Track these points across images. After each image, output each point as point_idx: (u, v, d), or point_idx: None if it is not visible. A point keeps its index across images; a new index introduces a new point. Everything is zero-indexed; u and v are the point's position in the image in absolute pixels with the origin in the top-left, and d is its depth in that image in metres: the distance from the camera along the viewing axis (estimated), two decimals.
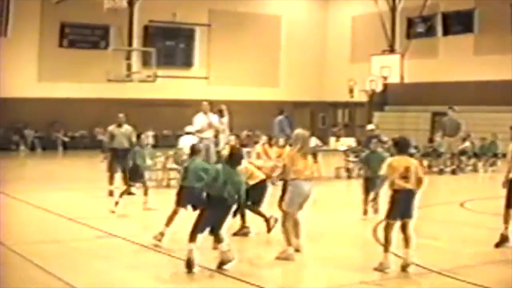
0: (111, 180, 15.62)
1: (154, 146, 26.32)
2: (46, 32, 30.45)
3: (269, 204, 11.01)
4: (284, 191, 9.83)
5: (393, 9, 33.48)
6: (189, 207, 9.88)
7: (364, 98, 31.84)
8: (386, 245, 8.61)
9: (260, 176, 11.03)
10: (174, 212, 10.20)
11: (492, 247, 9.95)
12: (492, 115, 27.64)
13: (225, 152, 13.57)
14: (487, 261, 9.39)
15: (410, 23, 32.84)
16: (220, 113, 19.44)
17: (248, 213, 10.85)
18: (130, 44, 32.28)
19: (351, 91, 31.84)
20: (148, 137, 29.32)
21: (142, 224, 12.43)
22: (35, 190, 16.62)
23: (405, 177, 8.52)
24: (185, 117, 19.59)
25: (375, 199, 12.64)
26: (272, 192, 11.00)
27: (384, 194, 9.10)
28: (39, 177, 20.68)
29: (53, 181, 18.83)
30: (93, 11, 28.85)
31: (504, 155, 15.62)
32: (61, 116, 30.37)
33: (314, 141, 17.47)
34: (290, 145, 10.24)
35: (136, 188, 14.00)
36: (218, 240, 8.65)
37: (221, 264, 8.60)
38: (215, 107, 19.36)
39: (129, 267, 9.00)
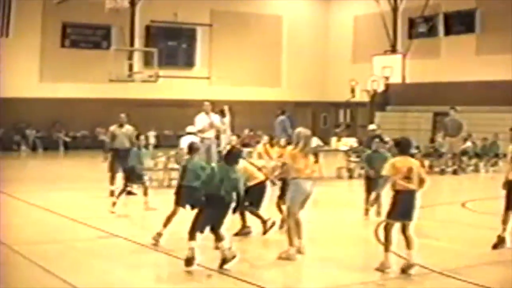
0: (112, 180, 15.60)
1: (156, 146, 26.49)
2: (47, 32, 30.48)
3: (269, 205, 11.00)
4: (283, 191, 9.81)
5: (395, 9, 33.45)
6: (188, 206, 9.87)
7: (365, 98, 31.80)
8: (387, 244, 8.61)
9: (260, 177, 10.96)
10: (173, 213, 10.17)
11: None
12: (493, 115, 27.59)
13: None
14: (488, 262, 9.37)
15: (412, 23, 32.82)
16: (222, 113, 19.43)
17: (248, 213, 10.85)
18: (132, 44, 32.30)
19: (352, 91, 31.80)
20: (151, 137, 29.61)
21: (144, 224, 12.44)
22: (37, 190, 16.63)
23: (408, 177, 8.52)
24: (187, 117, 19.58)
25: (377, 200, 12.61)
26: (272, 194, 10.99)
27: (386, 195, 9.05)
28: (40, 177, 20.68)
29: (55, 181, 18.84)
30: (95, 11, 28.86)
31: (505, 155, 15.59)
32: (63, 116, 30.40)
33: (315, 141, 17.44)
34: (289, 144, 10.22)
35: (135, 189, 14.00)
36: (218, 238, 8.65)
37: (223, 261, 8.59)
38: (216, 107, 19.35)
39: (131, 267, 9.00)
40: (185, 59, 34.07)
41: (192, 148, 10.45)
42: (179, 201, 10.14)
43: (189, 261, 8.50)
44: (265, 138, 16.05)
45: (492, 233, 10.08)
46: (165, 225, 10.13)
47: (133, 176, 13.62)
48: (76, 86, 30.31)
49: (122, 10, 28.33)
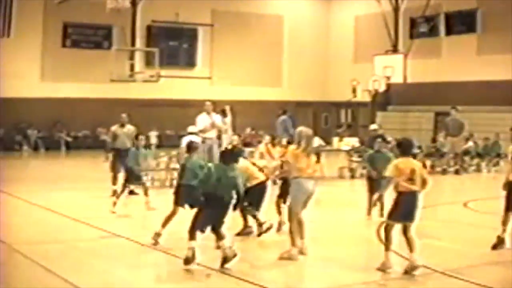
0: (114, 180, 15.59)
1: (158, 146, 26.47)
2: (49, 32, 30.49)
3: (269, 205, 10.98)
4: (282, 190, 9.79)
5: (396, 9, 33.43)
6: (187, 206, 9.85)
7: (367, 98, 31.78)
8: (387, 244, 8.60)
9: (260, 177, 10.88)
10: (173, 213, 10.15)
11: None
12: (495, 115, 27.56)
13: None
14: (490, 262, 9.36)
15: (413, 23, 32.82)
16: (223, 113, 19.42)
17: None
18: (133, 44, 32.31)
19: (354, 91, 31.78)
20: (152, 137, 29.63)
21: (144, 224, 12.43)
22: (38, 190, 16.63)
23: (410, 179, 8.51)
24: (188, 117, 19.57)
25: (379, 200, 12.58)
26: (272, 193, 10.97)
27: (389, 196, 9.03)
28: (42, 177, 20.68)
29: (56, 181, 18.85)
30: (96, 11, 28.89)
31: (507, 155, 15.57)
32: (64, 116, 30.41)
33: (317, 141, 17.41)
34: (289, 143, 10.19)
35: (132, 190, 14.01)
36: (219, 237, 8.64)
37: (224, 260, 8.58)
38: (218, 107, 19.34)
39: (132, 267, 8.99)
40: (186, 59, 34.08)
41: (190, 147, 10.43)
42: (178, 201, 10.11)
43: (188, 260, 8.49)
44: (267, 138, 16.03)
45: (494, 233, 10.06)
46: (163, 225, 10.11)
47: (131, 176, 13.59)
48: (78, 86, 30.31)
49: (123, 10, 28.33)
